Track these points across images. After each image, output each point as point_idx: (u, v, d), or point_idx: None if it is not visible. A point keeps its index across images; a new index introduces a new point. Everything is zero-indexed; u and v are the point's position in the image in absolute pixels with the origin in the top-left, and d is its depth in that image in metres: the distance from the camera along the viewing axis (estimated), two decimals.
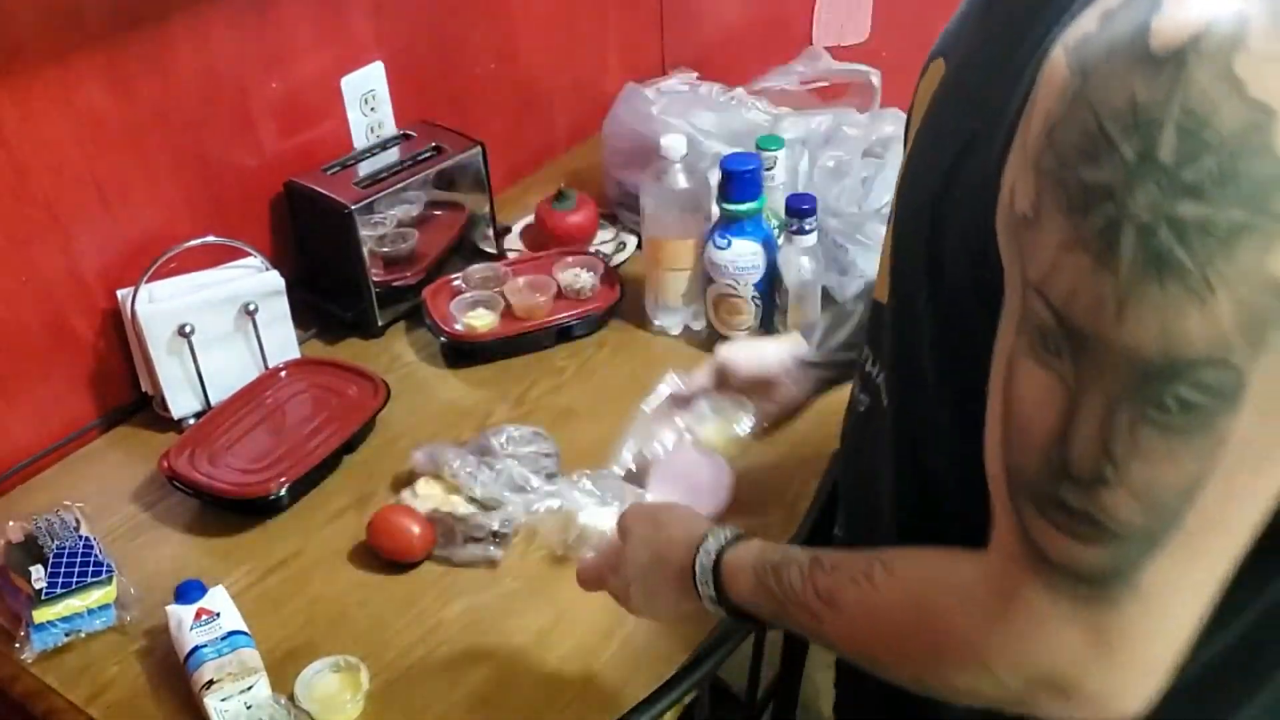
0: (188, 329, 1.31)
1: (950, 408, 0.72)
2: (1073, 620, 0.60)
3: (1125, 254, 0.53)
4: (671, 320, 1.48)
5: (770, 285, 1.38)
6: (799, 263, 1.35)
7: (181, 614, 1.04)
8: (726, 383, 1.13)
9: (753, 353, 1.13)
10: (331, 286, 1.51)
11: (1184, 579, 0.59)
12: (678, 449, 1.16)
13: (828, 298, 1.41)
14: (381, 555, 1.16)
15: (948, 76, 0.74)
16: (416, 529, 1.15)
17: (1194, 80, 0.50)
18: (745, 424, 1.14)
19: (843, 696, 1.06)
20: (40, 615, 1.06)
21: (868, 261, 1.41)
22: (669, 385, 1.19)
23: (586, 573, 0.95)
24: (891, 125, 1.58)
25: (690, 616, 0.88)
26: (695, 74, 1.80)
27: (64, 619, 1.07)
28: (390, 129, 1.61)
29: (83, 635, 1.09)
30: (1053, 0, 0.59)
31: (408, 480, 1.23)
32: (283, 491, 1.21)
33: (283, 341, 1.40)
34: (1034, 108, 0.57)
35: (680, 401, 1.16)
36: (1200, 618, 0.60)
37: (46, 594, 1.06)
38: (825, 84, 1.77)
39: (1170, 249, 0.51)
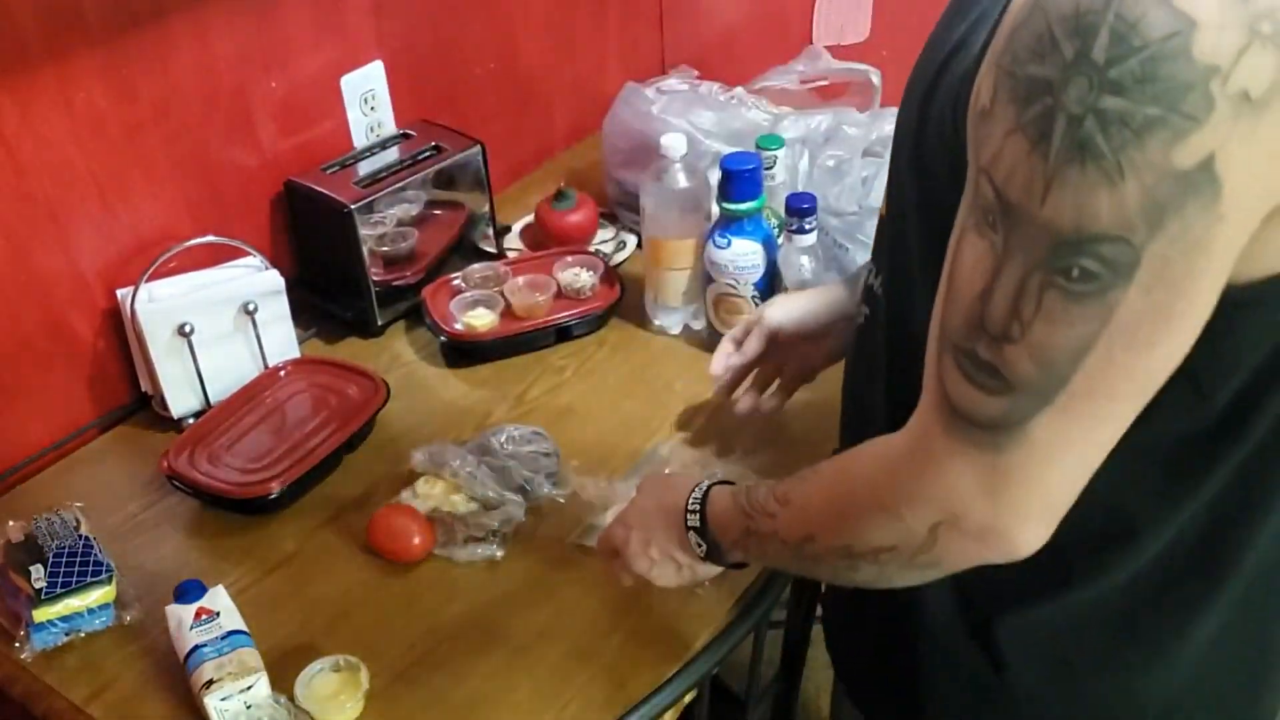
0: (187, 328, 1.31)
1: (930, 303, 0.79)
2: (968, 462, 0.68)
3: (1055, 140, 0.59)
4: (671, 319, 1.48)
5: (770, 285, 1.38)
6: (799, 262, 1.35)
7: (181, 613, 1.04)
8: (775, 342, 1.20)
9: (798, 311, 1.19)
10: (331, 286, 1.51)
11: (1067, 434, 0.66)
12: None
13: None
14: (381, 555, 1.16)
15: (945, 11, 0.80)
16: (416, 528, 1.16)
17: None
18: None
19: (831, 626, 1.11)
20: (40, 615, 1.06)
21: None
22: (668, 449, 1.26)
23: (603, 539, 1.04)
24: (891, 124, 1.58)
25: (680, 572, 0.98)
26: (695, 73, 1.80)
27: (64, 619, 1.08)
28: (390, 128, 1.61)
29: (82, 635, 1.09)
30: None
31: (408, 480, 1.23)
32: (282, 491, 1.21)
33: (282, 341, 1.40)
34: (1005, 18, 0.64)
35: (741, 372, 1.22)
36: (1083, 476, 0.68)
37: (46, 594, 1.06)
38: (825, 83, 1.77)
39: (1092, 137, 0.58)
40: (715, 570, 0.97)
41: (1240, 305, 0.64)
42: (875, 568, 0.78)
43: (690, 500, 0.94)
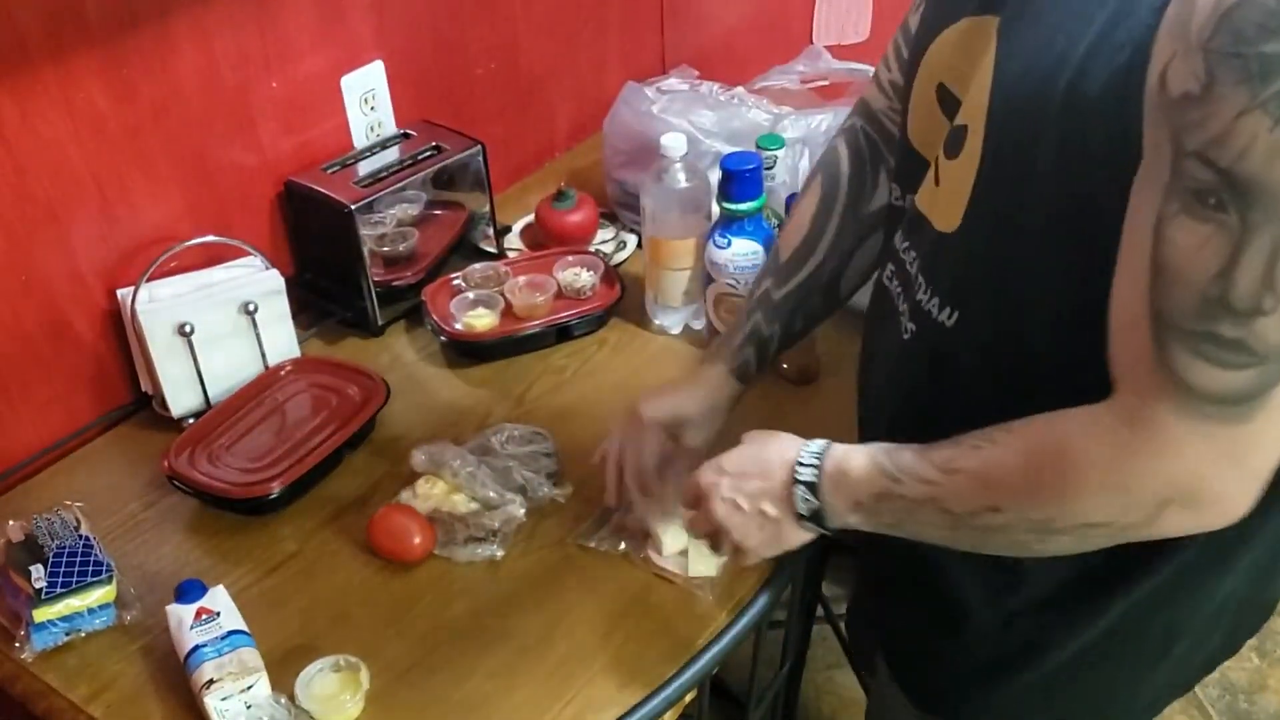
0: (188, 328, 1.31)
1: (1061, 292, 0.79)
2: (1211, 440, 0.70)
3: None
4: (672, 319, 1.48)
5: None
6: None
7: (181, 613, 1.04)
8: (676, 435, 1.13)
9: (672, 407, 1.12)
10: (331, 286, 1.51)
11: None
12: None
13: None
14: (382, 555, 1.16)
15: (1017, 20, 0.80)
16: (417, 528, 1.15)
17: None
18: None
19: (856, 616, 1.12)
20: (40, 615, 1.06)
21: None
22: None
23: (690, 483, 0.99)
24: None
25: (763, 528, 0.94)
26: (696, 73, 1.80)
27: (64, 618, 1.08)
28: (390, 128, 1.61)
29: (83, 635, 1.09)
30: None
31: (408, 480, 1.23)
32: (283, 491, 1.21)
33: (283, 341, 1.40)
34: (1191, 3, 0.64)
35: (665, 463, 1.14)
36: None
37: (46, 593, 1.06)
38: (826, 83, 1.77)
39: None
40: (801, 536, 0.93)
41: None
42: (1071, 539, 0.78)
43: (804, 453, 0.91)
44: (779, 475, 0.91)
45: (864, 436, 1.02)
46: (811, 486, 0.89)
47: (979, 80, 0.82)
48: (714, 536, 0.98)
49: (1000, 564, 0.88)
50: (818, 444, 0.91)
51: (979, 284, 0.85)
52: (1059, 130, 0.74)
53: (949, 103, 0.88)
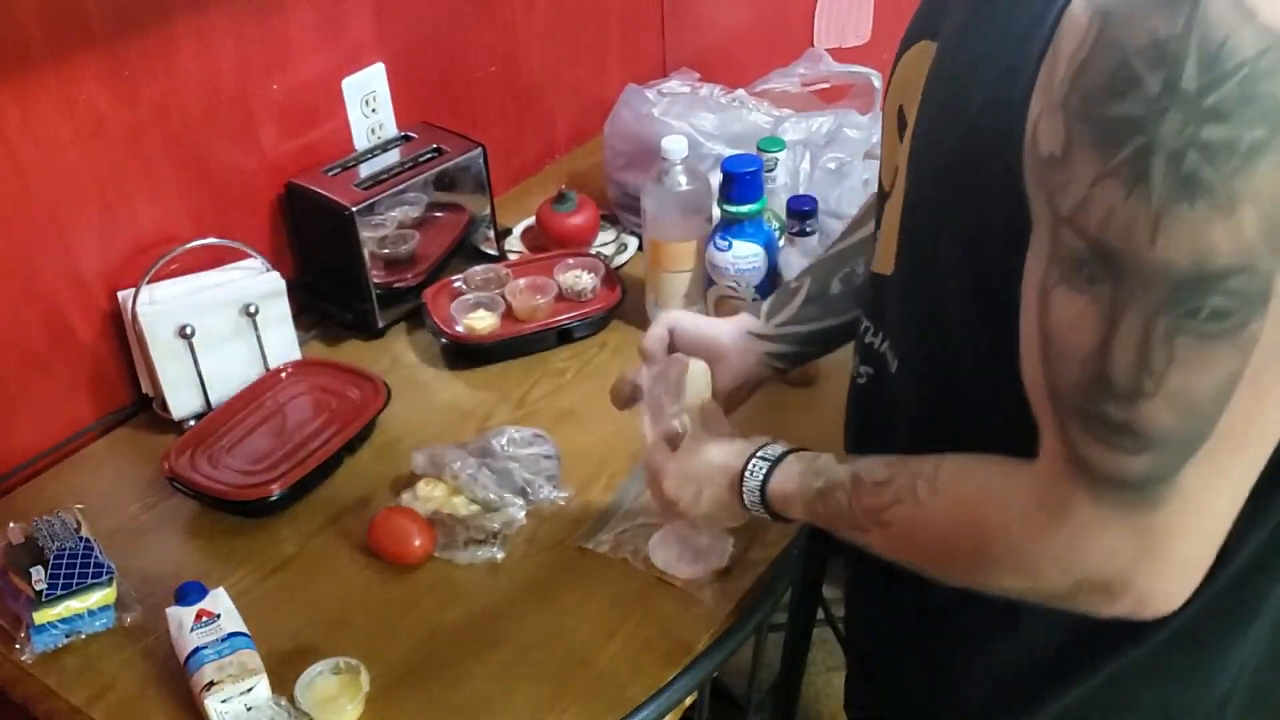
0: (188, 330, 1.31)
1: (984, 348, 0.75)
2: (1119, 525, 0.65)
3: (1156, 179, 0.56)
4: None
5: (771, 287, 1.38)
6: (800, 264, 1.35)
7: (182, 615, 1.04)
8: (673, 345, 1.10)
9: (700, 323, 1.11)
10: (332, 288, 1.51)
11: (1219, 478, 0.63)
12: None
13: None
14: (382, 557, 1.16)
15: (945, 52, 0.76)
16: (417, 531, 1.15)
17: (1208, 11, 0.54)
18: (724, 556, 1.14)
19: (854, 618, 1.08)
20: (40, 617, 1.06)
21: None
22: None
23: (650, 461, 0.98)
24: None
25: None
26: (696, 75, 1.80)
27: (64, 620, 1.07)
28: (391, 130, 1.61)
29: (83, 637, 1.09)
30: None
31: (408, 482, 1.23)
32: (283, 493, 1.21)
33: (283, 343, 1.40)
34: (1056, 56, 0.60)
35: (655, 360, 1.11)
36: (1232, 517, 0.65)
37: (47, 595, 1.06)
38: (826, 86, 1.77)
39: (1197, 170, 0.55)
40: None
41: None
42: (999, 593, 0.74)
43: (748, 481, 0.89)
44: (728, 481, 0.90)
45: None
46: (760, 503, 0.89)
47: (914, 114, 0.79)
48: (666, 509, 0.97)
49: (1012, 666, 0.85)
50: (757, 476, 0.89)
51: (915, 332, 0.82)
52: (957, 184, 0.71)
53: (903, 131, 0.84)
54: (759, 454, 0.90)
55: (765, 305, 1.11)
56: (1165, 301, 0.58)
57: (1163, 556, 0.65)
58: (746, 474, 0.89)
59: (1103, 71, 0.57)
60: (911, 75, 0.80)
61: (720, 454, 0.93)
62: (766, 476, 0.89)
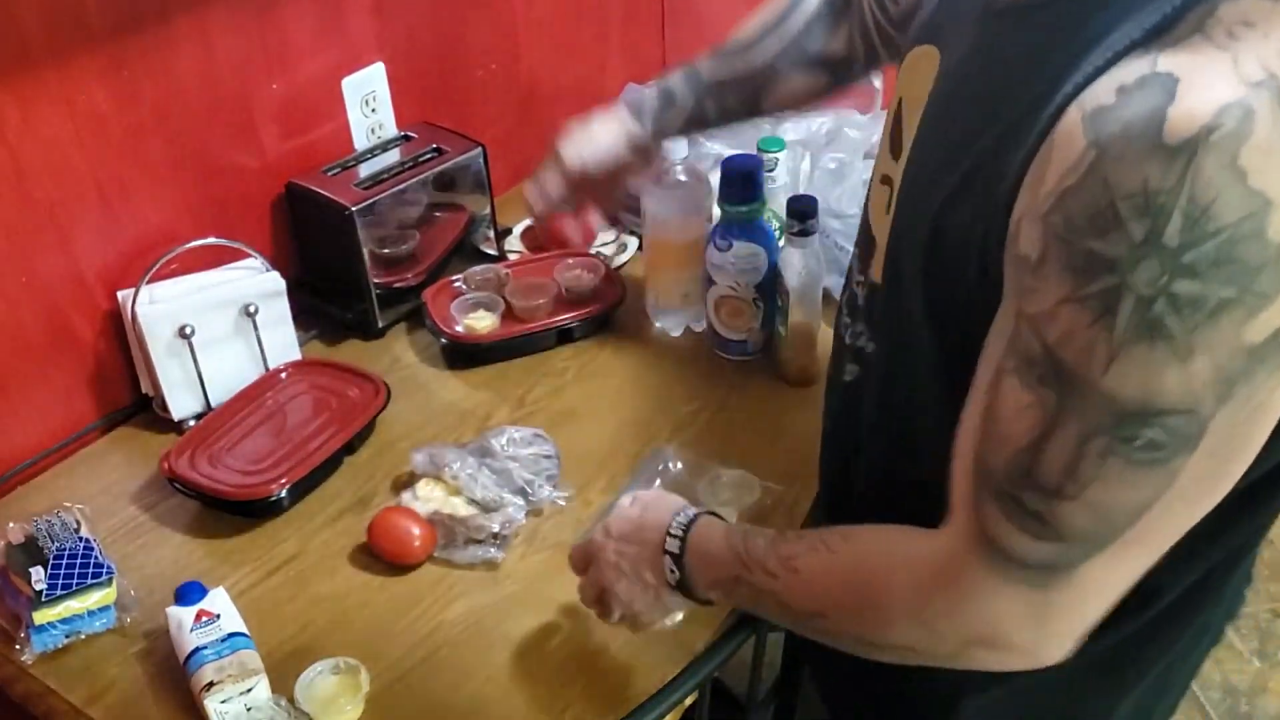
0: (188, 330, 1.31)
1: (943, 383, 0.77)
2: (1012, 596, 0.69)
3: (1122, 318, 0.58)
4: (672, 322, 1.48)
5: (771, 287, 1.38)
6: (800, 264, 1.35)
7: (181, 615, 1.04)
8: (584, 185, 1.25)
9: (593, 146, 1.25)
10: (332, 288, 1.51)
11: (1114, 573, 0.68)
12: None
13: (829, 299, 1.41)
14: (382, 557, 1.16)
15: (947, 79, 0.76)
16: (417, 531, 1.15)
17: (1202, 170, 0.55)
18: (753, 496, 1.20)
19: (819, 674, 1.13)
20: (40, 617, 1.06)
21: None
22: (670, 451, 1.25)
23: (578, 547, 1.02)
24: None
25: (645, 593, 0.94)
26: None
27: (64, 620, 1.07)
28: (391, 130, 1.61)
29: (83, 637, 1.09)
30: (1061, 45, 0.63)
31: (408, 482, 1.23)
32: (283, 493, 1.21)
33: (283, 343, 1.40)
34: (1048, 161, 0.61)
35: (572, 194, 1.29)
36: (1123, 592, 0.70)
37: (46, 595, 1.06)
38: None
39: (1163, 318, 0.57)
40: (685, 603, 0.95)
41: None
42: (893, 657, 0.78)
43: (674, 524, 0.92)
44: (653, 542, 0.92)
45: (822, 483, 1.05)
46: (677, 559, 0.90)
47: (911, 131, 0.80)
48: (602, 600, 0.98)
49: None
50: (689, 514, 0.92)
51: (901, 334, 0.84)
52: (940, 245, 0.72)
53: (896, 137, 0.85)
54: (684, 510, 0.94)
55: (649, 119, 1.24)
56: (1105, 424, 0.61)
57: (1048, 627, 0.70)
58: (674, 520, 0.92)
59: (1089, 205, 0.58)
60: (916, 81, 0.81)
61: (655, 513, 0.95)
62: (694, 520, 0.92)
